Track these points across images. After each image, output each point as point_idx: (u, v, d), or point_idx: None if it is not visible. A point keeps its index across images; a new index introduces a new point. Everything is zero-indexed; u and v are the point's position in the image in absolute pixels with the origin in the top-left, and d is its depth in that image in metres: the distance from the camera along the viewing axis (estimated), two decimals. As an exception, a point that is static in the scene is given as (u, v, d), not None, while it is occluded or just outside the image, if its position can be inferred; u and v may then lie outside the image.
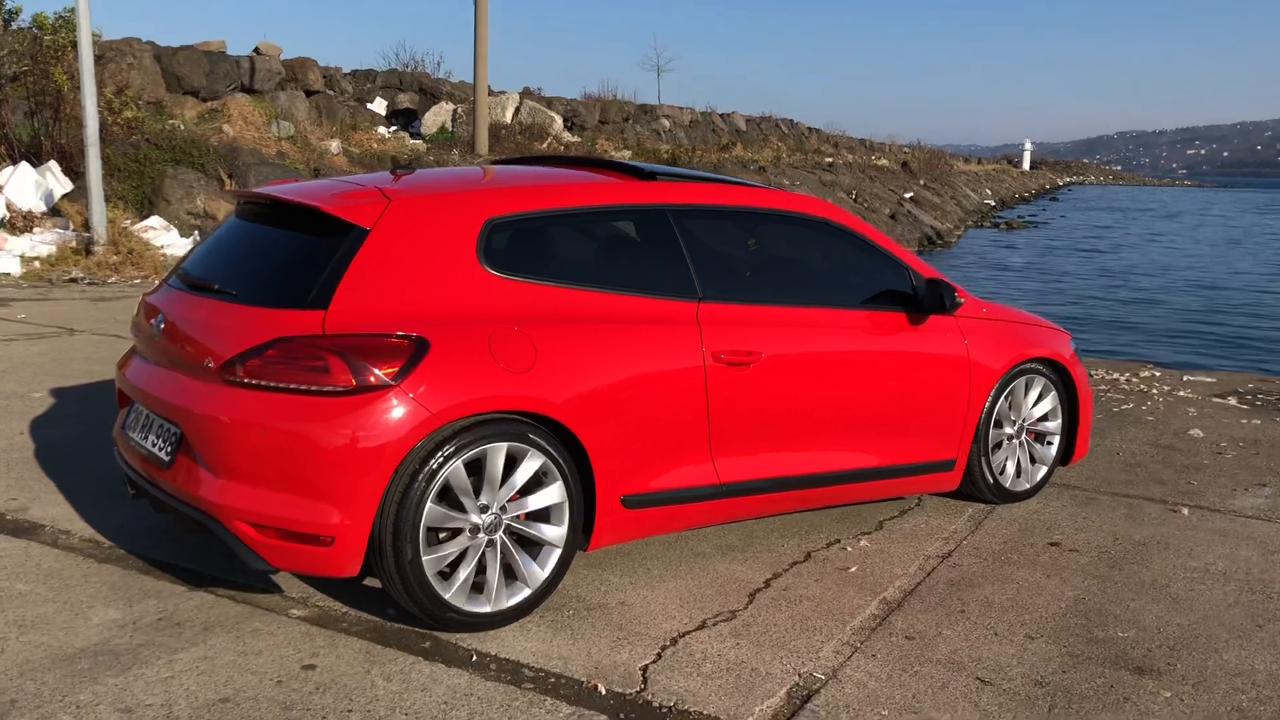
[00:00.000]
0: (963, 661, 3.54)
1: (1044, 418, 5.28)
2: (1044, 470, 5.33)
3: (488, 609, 3.62)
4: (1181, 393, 8.12)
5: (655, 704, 3.20)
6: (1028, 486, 5.26)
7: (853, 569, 4.31)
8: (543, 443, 3.66)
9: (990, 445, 5.05)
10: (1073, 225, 52.67)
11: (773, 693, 3.28)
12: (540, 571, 3.73)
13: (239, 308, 3.63)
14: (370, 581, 3.90)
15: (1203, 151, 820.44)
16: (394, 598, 3.56)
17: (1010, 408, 5.12)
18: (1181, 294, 23.22)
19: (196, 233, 14.43)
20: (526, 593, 3.70)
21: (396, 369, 3.41)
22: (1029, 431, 5.23)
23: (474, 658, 3.46)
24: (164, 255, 13.41)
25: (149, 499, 3.88)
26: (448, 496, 3.52)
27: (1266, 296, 22.74)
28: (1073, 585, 4.22)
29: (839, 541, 4.62)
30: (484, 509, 3.60)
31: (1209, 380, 8.71)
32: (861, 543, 4.62)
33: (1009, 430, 5.14)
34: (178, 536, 4.35)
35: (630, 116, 37.97)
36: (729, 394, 4.11)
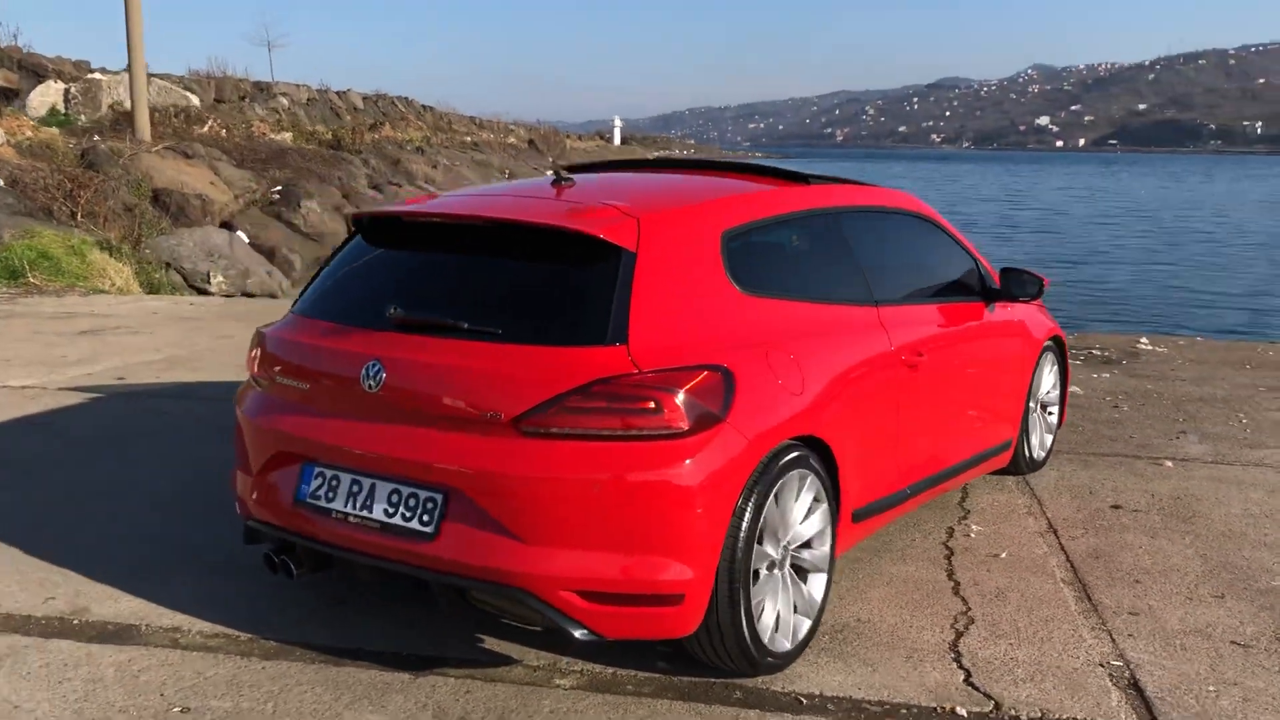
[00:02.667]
0: (1200, 629, 3.80)
1: (1050, 390, 5.70)
2: (1050, 439, 5.76)
3: (789, 646, 3.43)
4: (1019, 354, 8.99)
5: (1028, 717, 3.19)
6: (1044, 455, 5.68)
7: (1003, 555, 4.46)
8: (818, 467, 3.50)
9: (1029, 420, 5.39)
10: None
11: (1106, 689, 3.37)
12: (817, 599, 3.57)
13: (517, 349, 3.13)
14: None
15: (762, 125, 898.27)
16: (707, 651, 3.27)
17: (1036, 383, 5.48)
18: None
19: None
20: (808, 623, 3.53)
21: (720, 402, 3.13)
22: (1040, 403, 5.63)
23: (804, 702, 3.26)
24: None
25: (381, 578, 3.30)
26: (760, 534, 3.28)
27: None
28: (1182, 543, 4.63)
29: (953, 531, 4.76)
30: (776, 542, 3.39)
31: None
32: (973, 528, 4.78)
33: (1032, 404, 5.50)
34: (309, 613, 3.72)
35: (247, 95, 35.74)
36: (907, 396, 4.12)
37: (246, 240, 17.48)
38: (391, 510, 3.20)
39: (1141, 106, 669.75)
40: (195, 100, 30.15)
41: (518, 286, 3.36)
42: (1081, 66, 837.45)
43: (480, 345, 3.18)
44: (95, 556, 4.22)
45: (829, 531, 3.61)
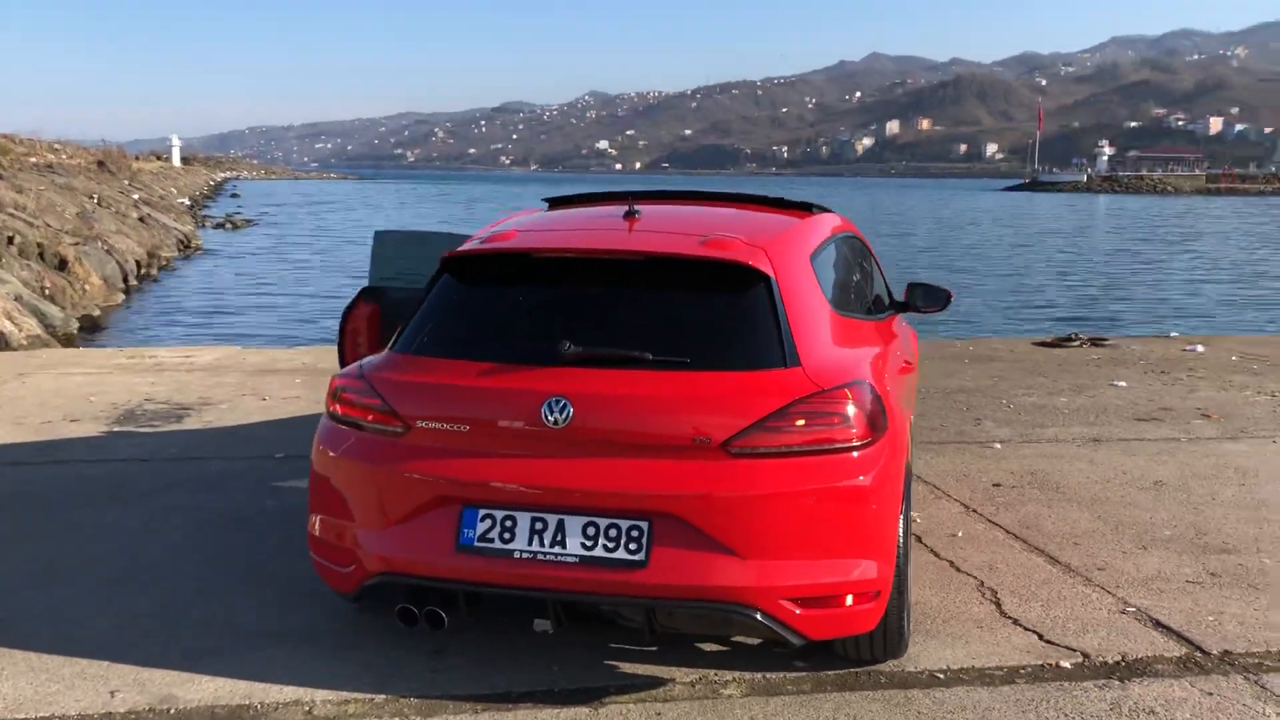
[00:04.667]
0: (1156, 575, 4.58)
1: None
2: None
3: (909, 630, 3.77)
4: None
5: (1115, 661, 3.75)
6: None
7: (959, 534, 5.08)
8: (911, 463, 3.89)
9: (908, 417, 6.09)
10: (295, 220, 54.13)
11: (1145, 629, 4.02)
12: (908, 586, 3.94)
13: (710, 375, 3.26)
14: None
15: (329, 146, 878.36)
16: (864, 643, 3.54)
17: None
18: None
19: None
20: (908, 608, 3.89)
21: (881, 412, 3.43)
22: (906, 402, 6.36)
23: (941, 677, 3.63)
24: None
25: (559, 615, 3.26)
26: (901, 528, 3.61)
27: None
28: (1075, 510, 5.48)
29: (898, 517, 5.30)
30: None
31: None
32: (911, 514, 5.36)
33: (907, 403, 6.21)
34: (424, 667, 3.59)
35: None
36: (910, 398, 4.61)
37: None
38: (589, 543, 3.20)
39: (687, 132, 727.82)
40: None
41: (677, 315, 3.47)
42: (633, 94, 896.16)
43: (672, 374, 3.27)
44: (125, 641, 3.74)
45: (908, 525, 4.00)
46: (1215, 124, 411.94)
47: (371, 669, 3.58)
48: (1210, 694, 3.53)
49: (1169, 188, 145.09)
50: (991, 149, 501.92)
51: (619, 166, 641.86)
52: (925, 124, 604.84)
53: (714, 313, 3.47)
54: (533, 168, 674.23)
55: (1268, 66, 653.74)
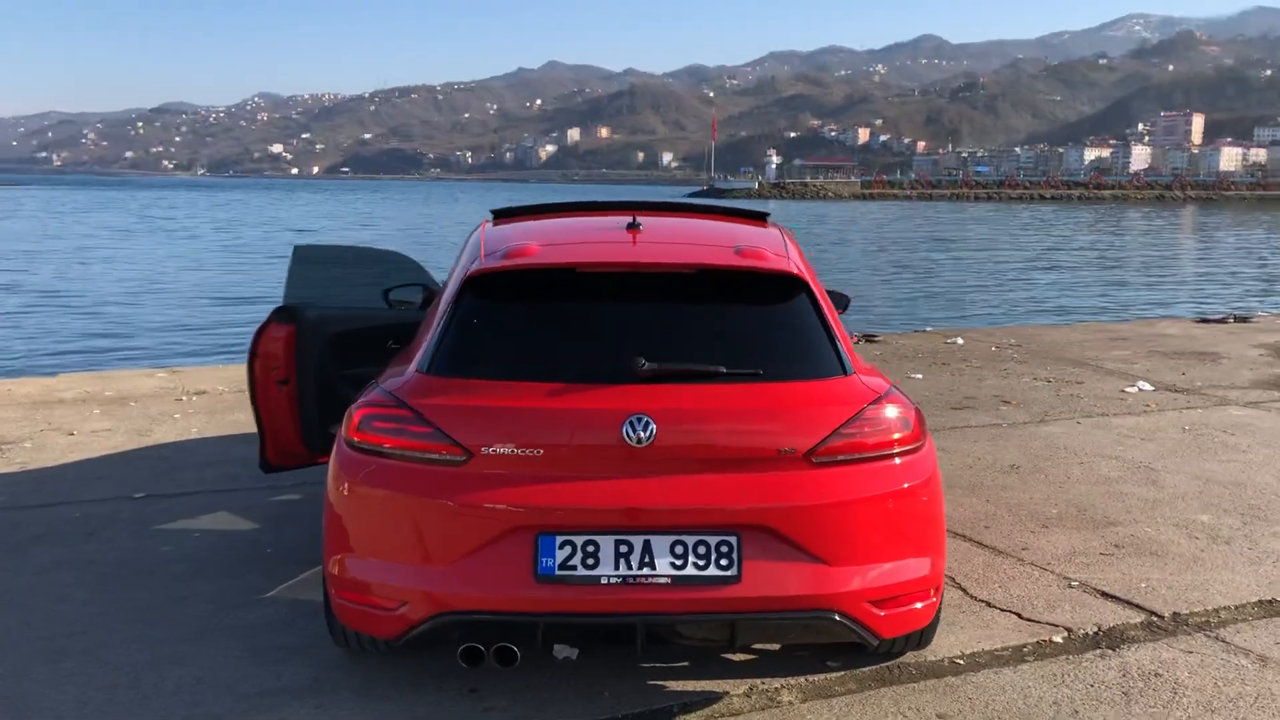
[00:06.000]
0: (1074, 551, 5.00)
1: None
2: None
3: (919, 621, 3.94)
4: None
5: (1094, 632, 4.08)
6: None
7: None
8: None
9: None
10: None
11: (1099, 600, 4.40)
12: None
13: (784, 386, 3.29)
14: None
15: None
16: (897, 640, 3.65)
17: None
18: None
19: None
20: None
21: (922, 416, 3.57)
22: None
23: (961, 663, 3.82)
24: None
25: (651, 635, 3.17)
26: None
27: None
28: (958, 495, 5.87)
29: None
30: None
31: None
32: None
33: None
34: (467, 711, 3.39)
35: None
36: None
37: None
38: (679, 563, 3.13)
39: (368, 136, 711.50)
40: None
41: (734, 327, 3.47)
42: (307, 96, 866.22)
43: (749, 386, 3.27)
44: (111, 717, 3.25)
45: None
46: (863, 134, 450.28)
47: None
48: (1190, 653, 3.91)
49: (830, 193, 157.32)
50: (668, 157, 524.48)
51: (295, 171, 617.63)
52: (605, 132, 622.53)
53: (768, 323, 3.50)
54: (200, 172, 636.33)
55: (904, 83, 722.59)
